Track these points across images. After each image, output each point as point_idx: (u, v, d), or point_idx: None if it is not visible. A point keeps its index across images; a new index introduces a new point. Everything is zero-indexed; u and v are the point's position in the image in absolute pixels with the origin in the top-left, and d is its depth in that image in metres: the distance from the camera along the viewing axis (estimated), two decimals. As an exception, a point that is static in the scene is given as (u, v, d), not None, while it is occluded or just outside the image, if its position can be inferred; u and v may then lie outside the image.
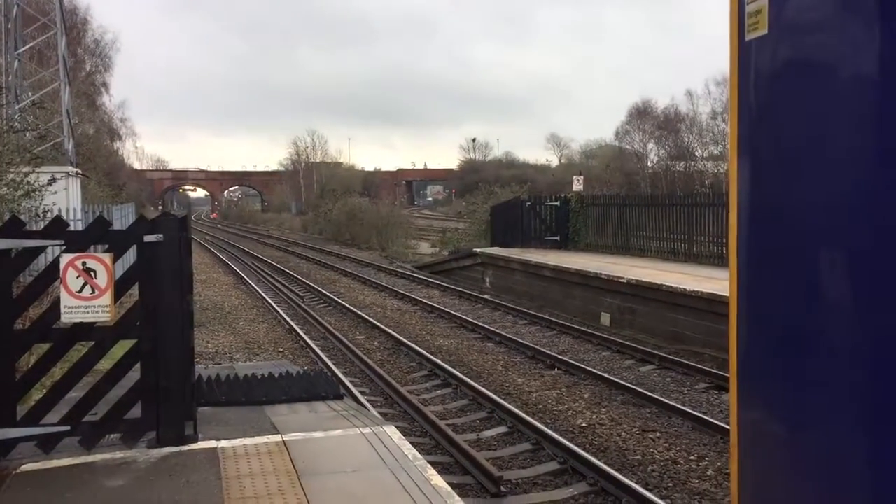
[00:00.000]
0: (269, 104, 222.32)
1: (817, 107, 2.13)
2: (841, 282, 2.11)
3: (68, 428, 5.26)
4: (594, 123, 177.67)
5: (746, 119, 2.39)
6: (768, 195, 2.33)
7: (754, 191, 2.39)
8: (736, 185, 2.47)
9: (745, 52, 2.35)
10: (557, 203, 23.57)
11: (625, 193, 32.72)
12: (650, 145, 62.16)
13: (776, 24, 2.24)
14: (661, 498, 6.64)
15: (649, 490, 6.79)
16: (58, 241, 5.23)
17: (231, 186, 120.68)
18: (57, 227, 5.31)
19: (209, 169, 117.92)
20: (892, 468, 1.96)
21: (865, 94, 1.97)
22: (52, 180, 12.77)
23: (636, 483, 6.87)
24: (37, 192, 11.80)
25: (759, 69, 2.32)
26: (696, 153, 56.58)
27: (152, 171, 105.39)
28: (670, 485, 7.20)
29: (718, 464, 7.66)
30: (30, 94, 26.38)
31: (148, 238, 5.30)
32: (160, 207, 76.92)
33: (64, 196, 17.51)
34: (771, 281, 2.35)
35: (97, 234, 5.41)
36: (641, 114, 62.58)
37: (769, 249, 2.34)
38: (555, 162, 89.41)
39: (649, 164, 61.02)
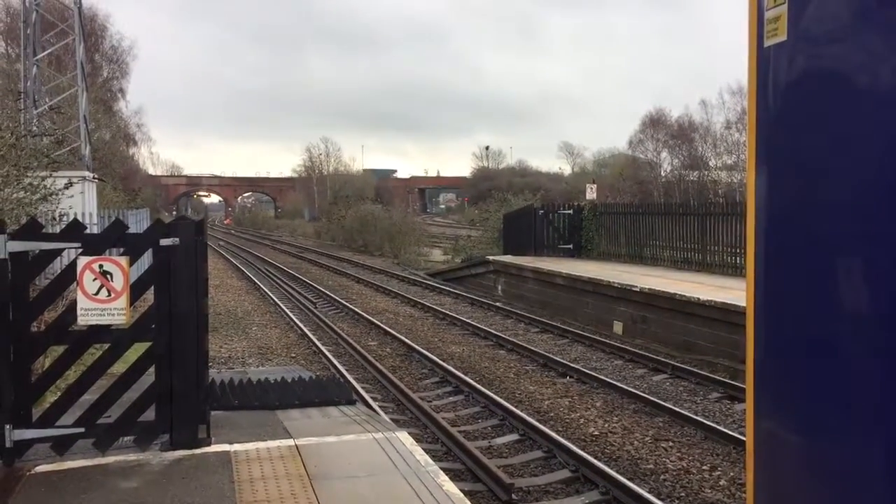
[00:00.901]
0: (282, 112, 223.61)
1: (836, 115, 2.12)
2: (861, 290, 2.10)
3: (83, 430, 5.29)
4: (607, 132, 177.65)
5: (765, 125, 2.38)
6: (787, 203, 2.32)
7: (772, 198, 2.38)
8: (754, 192, 2.46)
9: (763, 58, 2.35)
10: (570, 211, 23.54)
11: (638, 202, 32.64)
12: (663, 154, 61.99)
13: (795, 31, 2.24)
14: (674, 508, 6.61)
15: (661, 499, 6.76)
16: (75, 244, 5.27)
17: (245, 192, 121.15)
18: (74, 230, 5.36)
19: (223, 175, 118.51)
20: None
21: (885, 104, 1.96)
22: (69, 184, 12.86)
23: (648, 492, 6.84)
24: (53, 196, 11.89)
25: (777, 75, 2.32)
26: (710, 163, 56.36)
27: (167, 176, 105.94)
28: (683, 494, 7.16)
29: (732, 474, 7.61)
30: (47, 99, 26.61)
31: (164, 241, 5.34)
32: (174, 213, 77.32)
33: (80, 200, 17.64)
34: (789, 289, 2.34)
35: (114, 237, 5.46)
36: (655, 123, 62.43)
37: (788, 257, 2.33)
38: (568, 170, 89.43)
39: (662, 173, 60.84)
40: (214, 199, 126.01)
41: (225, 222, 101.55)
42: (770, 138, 2.36)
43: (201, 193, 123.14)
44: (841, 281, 2.15)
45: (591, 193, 24.64)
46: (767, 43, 2.32)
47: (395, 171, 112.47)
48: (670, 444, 8.58)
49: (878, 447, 2.06)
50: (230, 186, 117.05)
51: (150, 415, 5.47)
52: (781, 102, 2.32)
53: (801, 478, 2.39)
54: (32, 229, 5.26)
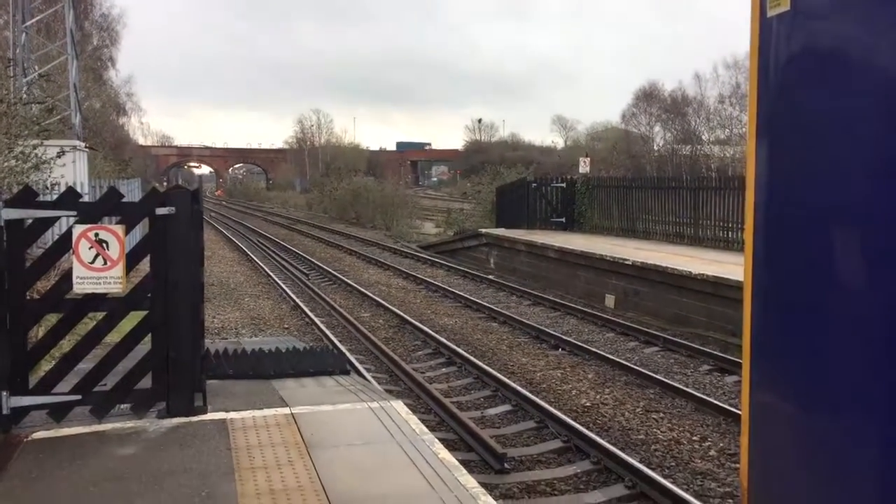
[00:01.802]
0: (274, 83, 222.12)
1: (836, 87, 2.13)
2: (858, 262, 2.12)
3: (79, 397, 5.32)
4: (600, 106, 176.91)
5: (766, 97, 2.39)
6: (787, 174, 2.34)
7: (772, 169, 2.40)
8: (754, 163, 2.47)
9: (766, 28, 2.35)
10: (563, 185, 23.55)
11: (631, 176, 32.65)
12: (656, 128, 61.94)
13: (797, 1, 2.24)
14: (664, 477, 6.69)
15: (652, 469, 6.84)
16: (71, 212, 5.26)
17: (236, 164, 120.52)
18: (70, 198, 5.34)
19: (214, 146, 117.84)
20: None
21: (884, 77, 1.97)
22: (61, 153, 12.78)
23: (639, 462, 6.93)
24: (45, 165, 11.82)
25: (779, 46, 2.32)
26: (703, 137, 56.34)
27: (157, 147, 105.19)
28: (673, 464, 7.26)
29: (721, 444, 7.71)
30: (37, 67, 26.31)
31: (160, 210, 5.33)
32: (165, 183, 76.82)
33: (71, 169, 17.52)
34: (787, 261, 2.36)
35: (110, 206, 5.44)
36: (648, 96, 62.32)
37: (786, 229, 2.34)
38: (560, 144, 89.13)
39: (655, 147, 60.82)
40: (205, 169, 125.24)
41: (216, 193, 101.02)
42: (771, 109, 2.37)
43: (192, 164, 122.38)
44: (839, 253, 2.17)
45: (584, 167, 24.62)
46: (770, 13, 2.32)
47: (428, 144, 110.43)
48: (661, 415, 8.68)
49: (871, 418, 2.09)
50: (221, 157, 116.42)
51: (146, 383, 5.49)
52: (784, 74, 2.32)
53: (793, 447, 2.42)
54: (28, 197, 5.24)
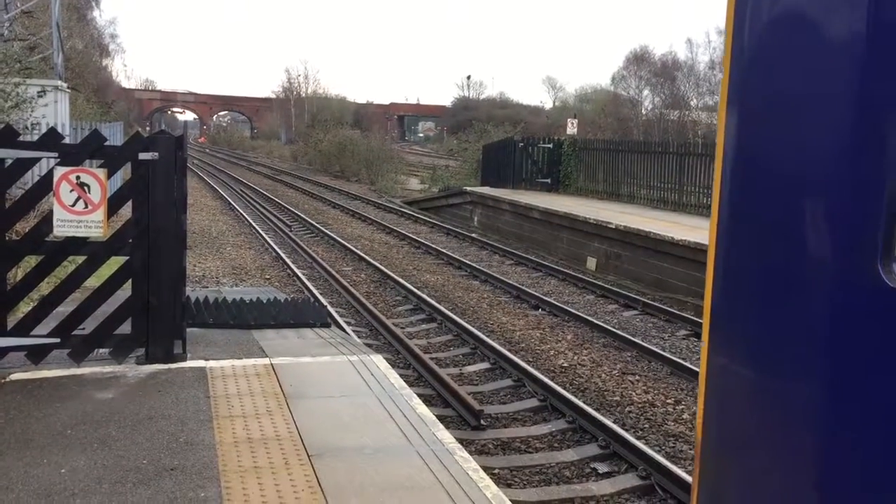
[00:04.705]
0: (263, 31, 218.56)
1: (806, 58, 2.14)
2: (821, 231, 2.16)
3: (58, 340, 5.31)
4: (590, 68, 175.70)
5: (738, 65, 2.39)
6: (754, 145, 2.36)
7: (740, 140, 2.41)
8: (723, 133, 2.48)
9: None
10: (550, 146, 23.47)
11: (618, 139, 32.60)
12: (645, 92, 61.68)
13: None
14: (637, 438, 6.80)
15: (626, 430, 6.95)
16: (52, 154, 5.19)
17: (220, 111, 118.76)
18: (52, 140, 5.27)
19: (198, 92, 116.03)
20: (845, 409, 2.05)
21: (852, 49, 1.98)
22: (42, 93, 12.56)
23: (613, 423, 7.03)
24: (26, 104, 11.61)
25: (754, 14, 2.32)
26: (692, 103, 56.23)
27: (141, 90, 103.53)
28: (646, 426, 7.37)
29: (694, 408, 7.81)
30: (18, 3, 25.70)
31: (143, 156, 5.27)
32: (147, 128, 75.80)
33: (52, 110, 17.20)
34: (750, 230, 2.39)
35: (92, 149, 5.37)
36: (639, 60, 61.93)
37: (751, 198, 2.37)
38: (549, 104, 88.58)
39: (643, 111, 60.65)
40: (189, 115, 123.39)
41: (199, 140, 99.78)
42: (744, 78, 2.37)
43: (175, 110, 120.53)
44: (798, 225, 2.20)
45: (571, 128, 24.54)
46: None
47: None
48: (637, 377, 8.78)
49: (820, 381, 2.16)
50: (205, 104, 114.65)
51: (125, 328, 5.48)
52: (757, 42, 2.32)
53: (744, 403, 2.50)
54: (9, 136, 5.16)
